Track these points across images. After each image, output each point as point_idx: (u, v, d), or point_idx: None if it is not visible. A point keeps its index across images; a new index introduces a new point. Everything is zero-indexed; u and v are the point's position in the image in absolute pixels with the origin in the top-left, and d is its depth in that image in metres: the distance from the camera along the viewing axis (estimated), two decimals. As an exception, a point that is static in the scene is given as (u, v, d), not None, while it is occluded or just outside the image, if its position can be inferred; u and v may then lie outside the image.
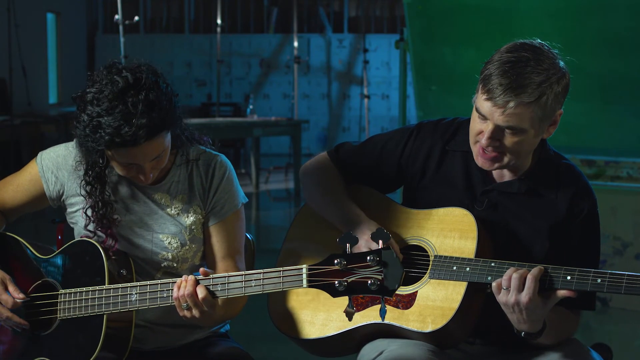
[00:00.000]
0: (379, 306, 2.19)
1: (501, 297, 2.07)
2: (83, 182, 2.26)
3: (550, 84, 2.09)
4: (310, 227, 2.45)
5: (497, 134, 2.12)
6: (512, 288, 2.04)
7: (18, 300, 2.20)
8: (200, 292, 2.07)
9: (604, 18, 4.98)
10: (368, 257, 1.89)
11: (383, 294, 1.89)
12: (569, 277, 2.05)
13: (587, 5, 5.00)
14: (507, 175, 2.27)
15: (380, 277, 1.88)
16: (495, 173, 2.28)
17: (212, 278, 2.08)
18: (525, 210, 2.24)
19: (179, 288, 2.09)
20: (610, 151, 5.26)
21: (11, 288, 2.22)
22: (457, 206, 2.25)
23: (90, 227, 2.28)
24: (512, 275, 2.05)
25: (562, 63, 2.14)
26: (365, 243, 2.19)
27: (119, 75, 2.11)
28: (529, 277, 2.04)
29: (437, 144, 2.33)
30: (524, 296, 2.03)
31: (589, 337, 4.40)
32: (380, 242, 1.91)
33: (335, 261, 1.92)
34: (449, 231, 2.23)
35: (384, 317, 1.95)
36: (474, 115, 2.17)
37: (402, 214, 2.32)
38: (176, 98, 2.22)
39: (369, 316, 2.21)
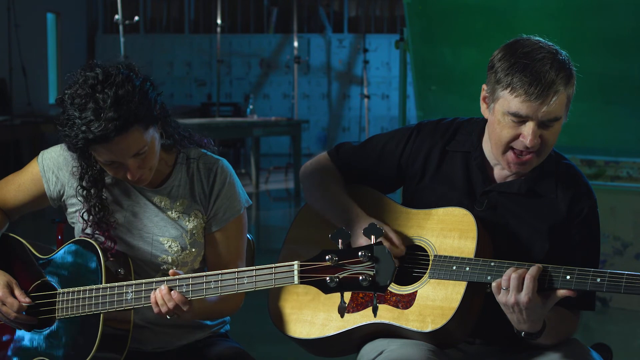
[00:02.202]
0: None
1: (501, 297, 2.07)
2: (79, 188, 2.26)
3: (569, 61, 2.12)
4: (311, 227, 2.44)
5: (539, 130, 2.11)
6: (512, 288, 2.04)
7: (24, 304, 2.21)
8: (178, 300, 2.06)
9: (604, 18, 4.98)
10: (360, 253, 1.88)
11: (375, 290, 1.88)
12: (568, 277, 2.05)
13: (587, 5, 4.99)
14: (508, 176, 2.26)
15: (372, 273, 1.87)
16: (496, 173, 2.27)
17: (206, 276, 2.08)
18: (525, 211, 2.23)
19: (157, 304, 2.09)
20: (610, 151, 5.26)
21: (17, 292, 2.22)
22: (457, 206, 2.24)
23: (88, 230, 2.28)
24: (511, 275, 2.05)
25: (558, 47, 2.16)
26: (365, 241, 2.19)
27: (91, 72, 2.12)
28: (528, 276, 2.03)
29: (437, 145, 2.33)
30: (524, 296, 2.03)
31: (589, 337, 4.40)
32: (373, 237, 1.90)
33: (327, 257, 1.90)
34: (448, 231, 2.22)
35: (376, 314, 1.94)
36: (502, 123, 2.13)
37: (402, 214, 2.32)
38: (155, 94, 2.19)
39: (368, 316, 2.21)
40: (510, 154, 2.15)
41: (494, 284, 2.08)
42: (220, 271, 2.07)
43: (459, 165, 2.30)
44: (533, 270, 2.04)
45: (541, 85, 2.06)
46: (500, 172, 2.27)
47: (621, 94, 5.14)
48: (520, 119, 2.10)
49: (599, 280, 2.02)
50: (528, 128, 2.10)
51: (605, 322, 4.87)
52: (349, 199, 2.35)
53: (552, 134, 2.13)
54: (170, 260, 2.30)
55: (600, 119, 5.20)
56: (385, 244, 2.19)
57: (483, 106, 2.22)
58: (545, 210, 2.23)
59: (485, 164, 2.28)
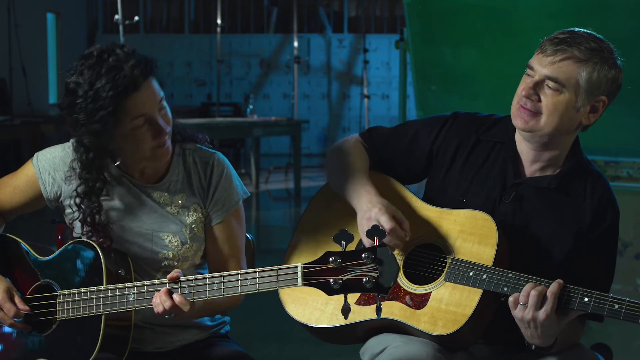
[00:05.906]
0: (387, 302, 2.18)
1: (517, 312, 2.05)
2: (75, 196, 2.25)
3: (603, 58, 2.15)
4: (325, 210, 2.41)
5: (539, 86, 2.14)
6: (530, 305, 2.03)
7: (21, 312, 2.21)
8: (179, 302, 2.07)
9: (604, 18, 4.97)
10: (363, 255, 1.89)
11: (378, 291, 1.88)
12: (586, 299, 2.04)
13: (587, 5, 4.99)
14: (539, 171, 2.25)
15: (375, 275, 1.87)
16: (527, 168, 2.26)
17: (209, 277, 2.08)
18: (551, 210, 2.22)
19: (157, 306, 2.09)
20: (610, 151, 5.26)
21: (17, 299, 2.22)
22: (483, 199, 2.23)
23: (84, 229, 2.27)
24: (530, 292, 2.03)
25: (619, 61, 2.21)
26: (374, 214, 2.17)
27: (88, 51, 2.16)
28: (549, 293, 2.02)
29: (472, 135, 2.32)
30: (542, 313, 2.02)
31: (589, 337, 4.36)
32: (376, 239, 1.90)
33: (330, 259, 1.91)
34: (468, 234, 2.20)
35: (380, 315, 1.93)
36: (523, 77, 2.18)
37: (422, 211, 2.29)
38: None
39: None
40: (517, 105, 2.18)
41: (511, 299, 2.06)
42: (223, 273, 2.08)
43: (491, 155, 2.29)
44: (554, 287, 2.03)
45: (560, 43, 2.12)
46: (530, 167, 2.26)
47: (621, 94, 5.13)
48: (531, 72, 2.14)
49: (616, 307, 2.01)
50: (530, 80, 2.15)
51: (605, 322, 4.84)
52: (366, 178, 2.31)
53: (549, 100, 2.14)
54: (170, 255, 2.30)
55: (600, 119, 5.19)
56: (390, 236, 2.17)
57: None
58: (570, 212, 2.22)
59: (517, 158, 2.27)
